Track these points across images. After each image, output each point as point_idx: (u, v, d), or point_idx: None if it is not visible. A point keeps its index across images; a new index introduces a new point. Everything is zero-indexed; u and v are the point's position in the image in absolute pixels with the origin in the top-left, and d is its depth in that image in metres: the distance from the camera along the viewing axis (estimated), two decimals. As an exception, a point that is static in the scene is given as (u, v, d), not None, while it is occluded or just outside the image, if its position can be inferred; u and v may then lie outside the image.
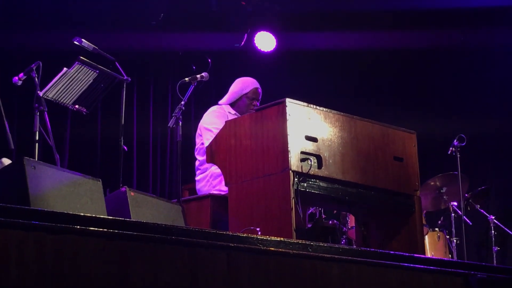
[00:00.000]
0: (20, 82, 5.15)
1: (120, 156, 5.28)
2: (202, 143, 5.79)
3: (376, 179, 5.00)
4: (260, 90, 6.07)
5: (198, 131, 5.97)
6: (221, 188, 5.53)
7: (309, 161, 4.63)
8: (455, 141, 6.96)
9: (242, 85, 6.06)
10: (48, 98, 5.08)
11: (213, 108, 6.02)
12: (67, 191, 3.97)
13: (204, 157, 5.40)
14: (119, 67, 5.39)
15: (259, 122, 4.81)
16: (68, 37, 5.46)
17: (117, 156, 5.30)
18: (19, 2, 7.22)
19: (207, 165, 5.63)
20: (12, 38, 7.06)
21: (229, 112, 5.95)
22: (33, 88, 5.06)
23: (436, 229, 7.56)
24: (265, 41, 8.84)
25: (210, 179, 5.75)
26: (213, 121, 5.83)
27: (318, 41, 8.87)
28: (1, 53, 7.03)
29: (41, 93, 5.01)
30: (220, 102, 6.10)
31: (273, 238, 3.44)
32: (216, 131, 5.64)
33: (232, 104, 6.04)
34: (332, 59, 9.09)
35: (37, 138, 4.96)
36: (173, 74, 8.34)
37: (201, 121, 5.96)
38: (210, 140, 5.57)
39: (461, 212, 7.22)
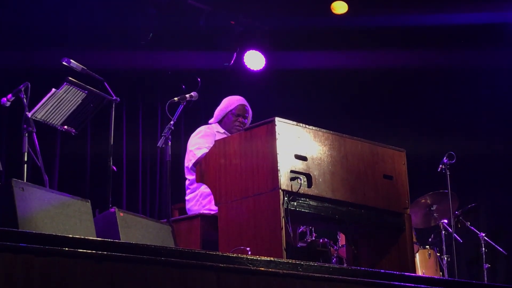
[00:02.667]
0: (8, 103, 5.13)
1: (109, 176, 5.25)
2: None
3: (366, 198, 5.00)
4: (247, 107, 6.08)
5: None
6: (211, 207, 5.51)
7: (298, 180, 4.62)
8: (444, 158, 6.97)
9: (228, 102, 6.10)
10: (37, 119, 5.06)
11: (200, 129, 6.02)
12: (55, 213, 3.95)
13: (194, 177, 5.39)
14: (107, 87, 5.38)
15: (249, 141, 4.81)
16: (57, 57, 5.44)
17: (107, 176, 5.28)
18: (7, 22, 7.20)
19: (196, 184, 5.63)
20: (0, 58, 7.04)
21: (218, 131, 5.96)
22: (22, 109, 5.04)
23: (427, 246, 7.56)
24: (254, 60, 8.87)
25: (200, 199, 5.74)
26: (196, 142, 5.84)
27: (308, 60, 8.89)
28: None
29: (29, 114, 4.99)
30: (209, 121, 6.12)
31: (263, 258, 3.43)
32: (196, 151, 5.67)
33: (220, 122, 6.06)
34: (322, 78, 9.11)
35: (25, 159, 4.93)
36: (162, 94, 8.33)
37: (188, 141, 5.98)
38: (193, 161, 5.60)
39: (451, 229, 7.22)
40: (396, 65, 8.82)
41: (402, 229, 5.16)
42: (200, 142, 5.79)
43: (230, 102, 6.10)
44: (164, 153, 5.76)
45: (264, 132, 4.72)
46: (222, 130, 5.99)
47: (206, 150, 5.59)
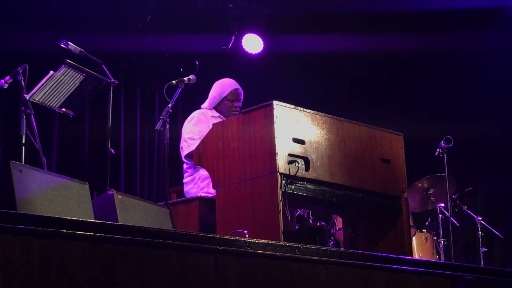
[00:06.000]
0: (6, 85, 5.13)
1: (107, 159, 5.26)
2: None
3: (363, 181, 5.01)
4: (240, 90, 6.06)
5: (182, 136, 6.00)
6: (209, 190, 5.53)
7: (296, 163, 4.64)
8: (442, 142, 6.99)
9: (220, 88, 6.06)
10: (35, 101, 5.06)
11: (193, 115, 5.99)
12: (54, 195, 3.96)
13: (192, 160, 5.40)
14: (105, 70, 5.38)
15: (247, 124, 4.81)
16: (55, 39, 5.43)
17: (104, 159, 5.29)
18: (5, 4, 7.18)
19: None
20: (-2, 40, 7.03)
21: (212, 116, 5.95)
22: (20, 91, 5.04)
23: (424, 230, 7.59)
24: (252, 44, 8.85)
25: (198, 182, 5.76)
26: (189, 130, 5.84)
27: (306, 43, 8.88)
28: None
29: (27, 96, 4.99)
30: (202, 106, 6.10)
31: (260, 240, 3.45)
32: (190, 141, 5.69)
33: (215, 108, 6.05)
34: (320, 62, 9.10)
35: (23, 141, 4.94)
36: (160, 77, 8.32)
37: (182, 127, 5.97)
38: (188, 150, 5.62)
39: (448, 213, 7.25)
40: (394, 48, 8.82)
41: (399, 212, 5.18)
42: (194, 130, 5.79)
43: (223, 88, 6.06)
44: (162, 136, 5.77)
45: (262, 115, 4.72)
46: (216, 115, 5.98)
47: (199, 141, 5.60)
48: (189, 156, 5.65)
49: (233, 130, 4.90)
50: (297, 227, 6.47)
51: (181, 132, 6.01)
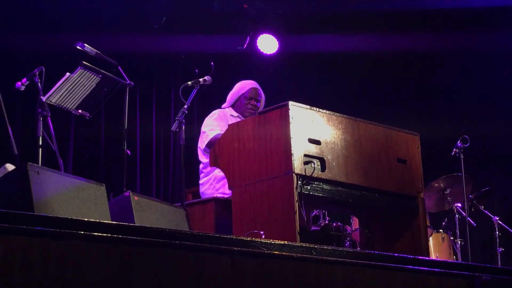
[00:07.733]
0: (23, 88, 5.15)
1: (124, 160, 5.28)
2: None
3: (380, 181, 4.99)
4: (259, 91, 6.10)
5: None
6: (224, 191, 5.54)
7: (312, 164, 4.63)
8: (458, 142, 6.95)
9: (240, 86, 6.14)
10: (51, 103, 5.08)
11: (214, 112, 6.06)
12: (70, 196, 3.97)
13: (208, 160, 5.41)
14: (121, 71, 5.40)
15: (262, 125, 4.81)
16: (71, 41, 5.46)
17: (121, 160, 5.30)
18: (21, 7, 7.22)
19: (210, 168, 5.65)
20: (14, 42, 7.07)
21: (231, 115, 5.98)
22: (36, 93, 5.06)
23: (441, 230, 7.56)
24: (267, 44, 8.85)
25: (213, 182, 5.76)
26: (209, 123, 5.88)
27: (321, 43, 8.87)
28: (4, 58, 7.05)
29: (44, 98, 5.02)
30: (222, 106, 6.14)
31: (277, 241, 3.44)
32: (209, 132, 5.69)
33: (233, 106, 6.09)
34: (335, 62, 9.09)
35: (40, 143, 4.96)
36: (175, 78, 8.34)
37: (203, 123, 6.00)
38: (206, 142, 5.64)
39: (465, 213, 7.22)
40: (410, 48, 8.79)
41: (415, 213, 5.16)
42: (214, 124, 5.83)
43: (242, 86, 6.13)
44: (177, 137, 5.78)
45: (278, 116, 4.72)
46: (235, 114, 6.02)
47: (219, 131, 5.61)
48: (210, 145, 5.62)
49: (248, 131, 4.90)
50: (314, 228, 6.48)
51: (197, 133, 6.02)
